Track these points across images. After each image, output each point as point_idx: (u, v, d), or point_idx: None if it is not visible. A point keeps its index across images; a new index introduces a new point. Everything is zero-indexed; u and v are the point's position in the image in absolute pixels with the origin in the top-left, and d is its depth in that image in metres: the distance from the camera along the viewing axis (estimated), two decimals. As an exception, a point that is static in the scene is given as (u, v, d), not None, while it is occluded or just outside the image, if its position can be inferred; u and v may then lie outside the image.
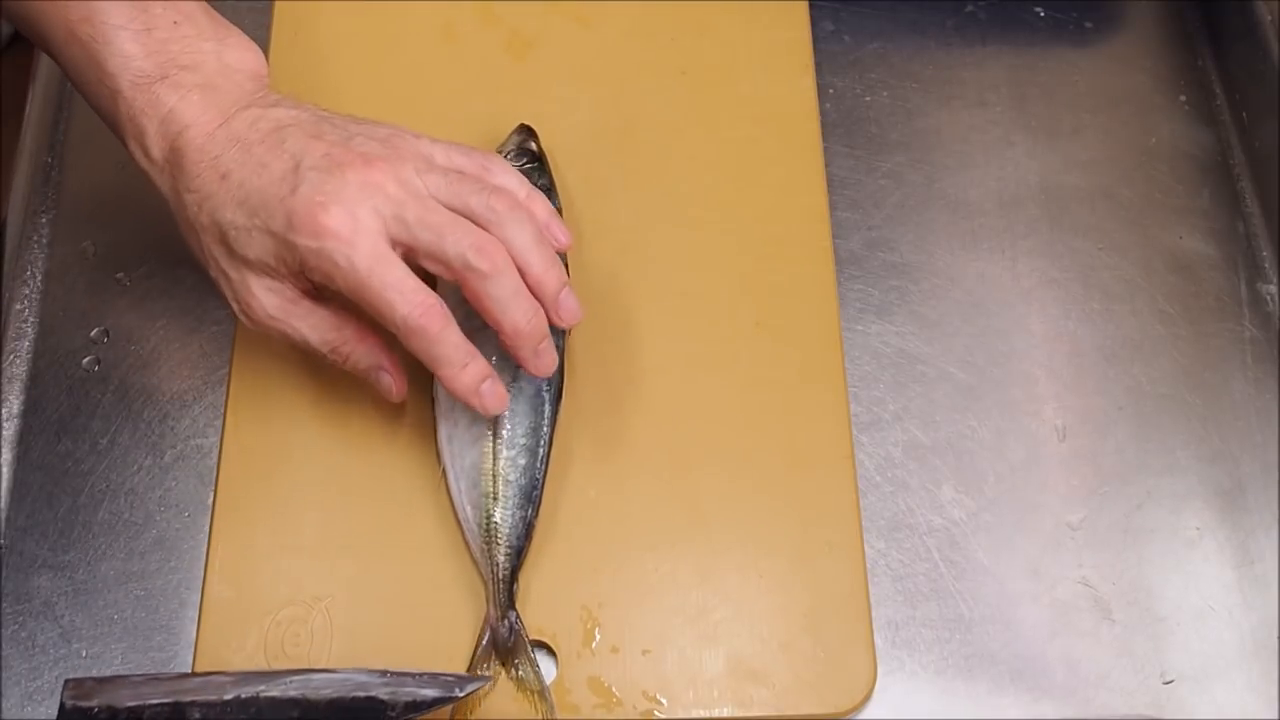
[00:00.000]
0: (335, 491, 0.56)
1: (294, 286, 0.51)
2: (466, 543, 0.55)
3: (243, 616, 0.54)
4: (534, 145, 0.62)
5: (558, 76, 0.66)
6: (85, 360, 0.61)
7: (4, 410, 0.59)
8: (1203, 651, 0.56)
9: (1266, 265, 0.66)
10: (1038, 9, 0.72)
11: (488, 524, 0.53)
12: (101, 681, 0.49)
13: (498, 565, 0.53)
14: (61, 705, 0.48)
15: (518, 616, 0.53)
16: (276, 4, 0.67)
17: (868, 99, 0.69)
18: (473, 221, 0.50)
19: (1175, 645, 0.57)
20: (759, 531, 0.56)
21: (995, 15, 0.72)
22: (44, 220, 0.64)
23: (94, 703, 0.49)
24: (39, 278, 0.63)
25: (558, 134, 0.64)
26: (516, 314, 0.50)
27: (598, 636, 0.54)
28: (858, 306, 0.63)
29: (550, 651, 0.54)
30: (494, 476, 0.54)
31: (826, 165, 0.65)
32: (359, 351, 0.53)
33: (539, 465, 0.55)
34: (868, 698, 0.54)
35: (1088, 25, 0.72)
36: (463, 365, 0.50)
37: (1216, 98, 0.70)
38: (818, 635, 0.54)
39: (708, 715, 0.53)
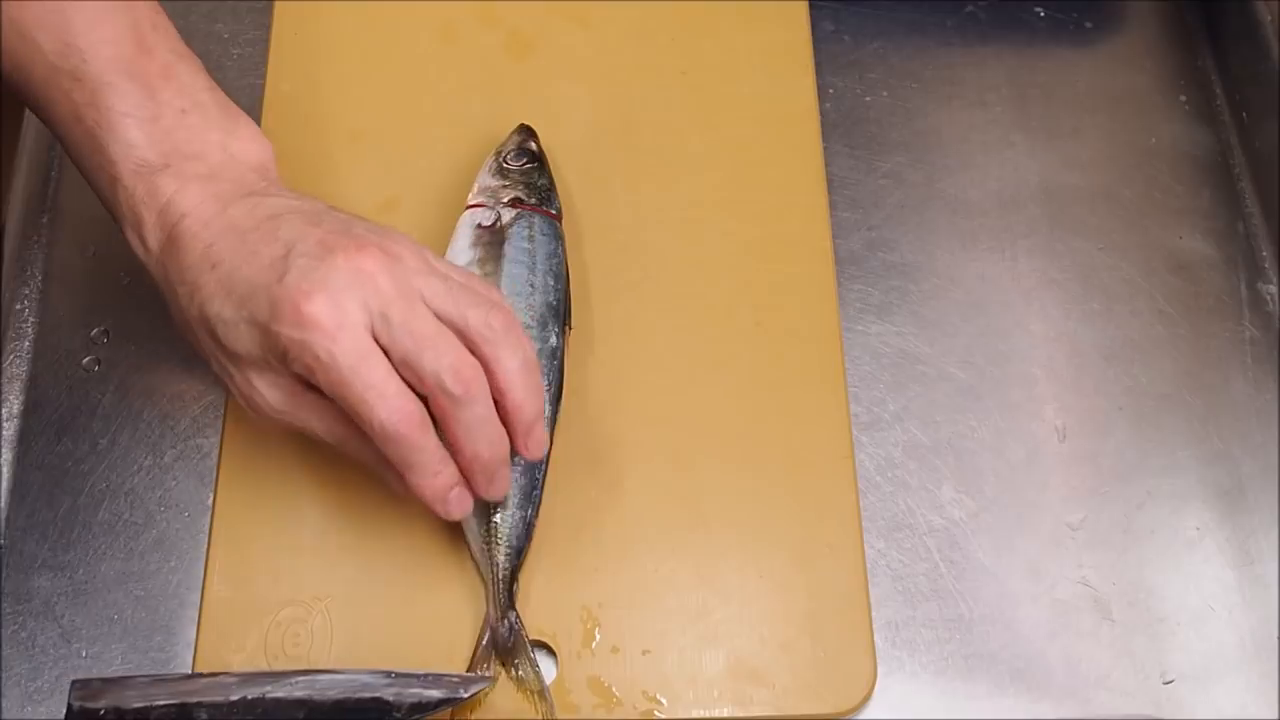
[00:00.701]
0: (335, 491, 0.56)
1: (293, 380, 0.48)
2: (467, 543, 0.55)
3: (243, 616, 0.54)
4: (534, 145, 0.62)
5: (558, 76, 0.66)
6: (85, 360, 0.61)
7: (4, 410, 0.59)
8: (1203, 651, 0.56)
9: (1266, 265, 0.66)
10: (1038, 9, 0.72)
11: (488, 524, 0.53)
12: (108, 682, 0.49)
13: (497, 565, 0.53)
14: (69, 707, 0.48)
15: (517, 616, 0.53)
16: (276, 4, 0.67)
17: (868, 99, 0.69)
18: (463, 336, 0.48)
19: (1175, 645, 0.57)
20: (759, 531, 0.56)
21: (995, 15, 0.72)
22: (44, 220, 0.64)
23: (101, 704, 0.49)
24: (39, 278, 0.63)
25: (558, 134, 0.64)
26: (479, 442, 0.48)
27: (598, 636, 0.54)
28: (858, 306, 0.63)
29: (550, 651, 0.54)
30: (494, 476, 0.54)
31: (826, 165, 0.65)
32: (363, 450, 0.49)
33: (539, 465, 0.55)
34: (868, 698, 0.54)
35: (1088, 25, 0.72)
36: (435, 473, 0.48)
37: (1216, 98, 0.70)
38: (818, 635, 0.54)
39: (708, 715, 0.53)
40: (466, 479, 0.49)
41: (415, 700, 0.50)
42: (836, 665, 0.54)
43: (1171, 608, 0.57)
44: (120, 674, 0.54)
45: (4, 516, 0.57)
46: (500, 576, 0.53)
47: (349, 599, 0.54)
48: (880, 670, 0.54)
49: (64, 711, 0.49)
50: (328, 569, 0.55)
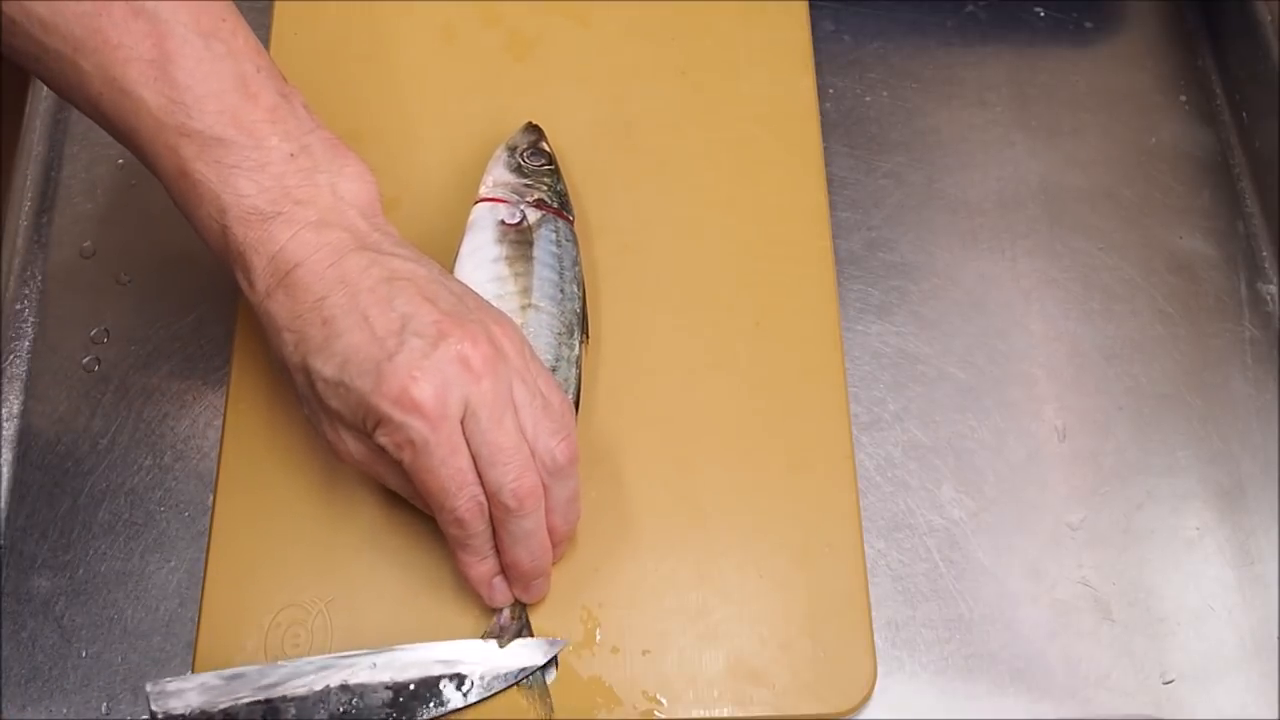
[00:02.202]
0: (335, 491, 0.56)
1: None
2: (466, 543, 0.55)
3: (243, 616, 0.54)
4: (547, 146, 0.62)
5: (558, 76, 0.66)
6: (85, 360, 0.61)
7: (4, 410, 0.59)
8: (1203, 651, 0.56)
9: (1266, 265, 0.66)
10: (1038, 9, 0.72)
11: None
12: (181, 681, 0.50)
13: (498, 565, 0.53)
14: (152, 715, 0.49)
15: (524, 614, 0.53)
16: (276, 4, 0.67)
17: (868, 99, 0.69)
18: (531, 453, 0.50)
19: (1175, 645, 0.57)
20: (759, 531, 0.56)
21: (995, 15, 0.72)
22: (44, 220, 0.64)
23: (185, 706, 0.49)
24: (39, 278, 0.63)
25: (558, 134, 0.64)
26: (522, 551, 0.51)
27: (598, 636, 0.54)
28: (858, 306, 0.63)
29: (550, 651, 0.54)
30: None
31: (826, 165, 0.65)
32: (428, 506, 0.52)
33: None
34: (868, 698, 0.54)
35: (1088, 25, 0.72)
36: (483, 557, 0.51)
37: (1216, 98, 0.70)
38: (818, 635, 0.54)
39: (708, 715, 0.53)
40: (509, 582, 0.53)
41: (492, 671, 0.52)
42: (836, 665, 0.54)
43: (1171, 608, 0.57)
44: (125, 673, 0.54)
45: (4, 516, 0.57)
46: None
47: (349, 599, 0.54)
48: (880, 670, 0.54)
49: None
50: (328, 569, 0.55)
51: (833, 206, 0.65)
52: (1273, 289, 0.65)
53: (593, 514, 0.56)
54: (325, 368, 0.48)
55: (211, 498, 0.57)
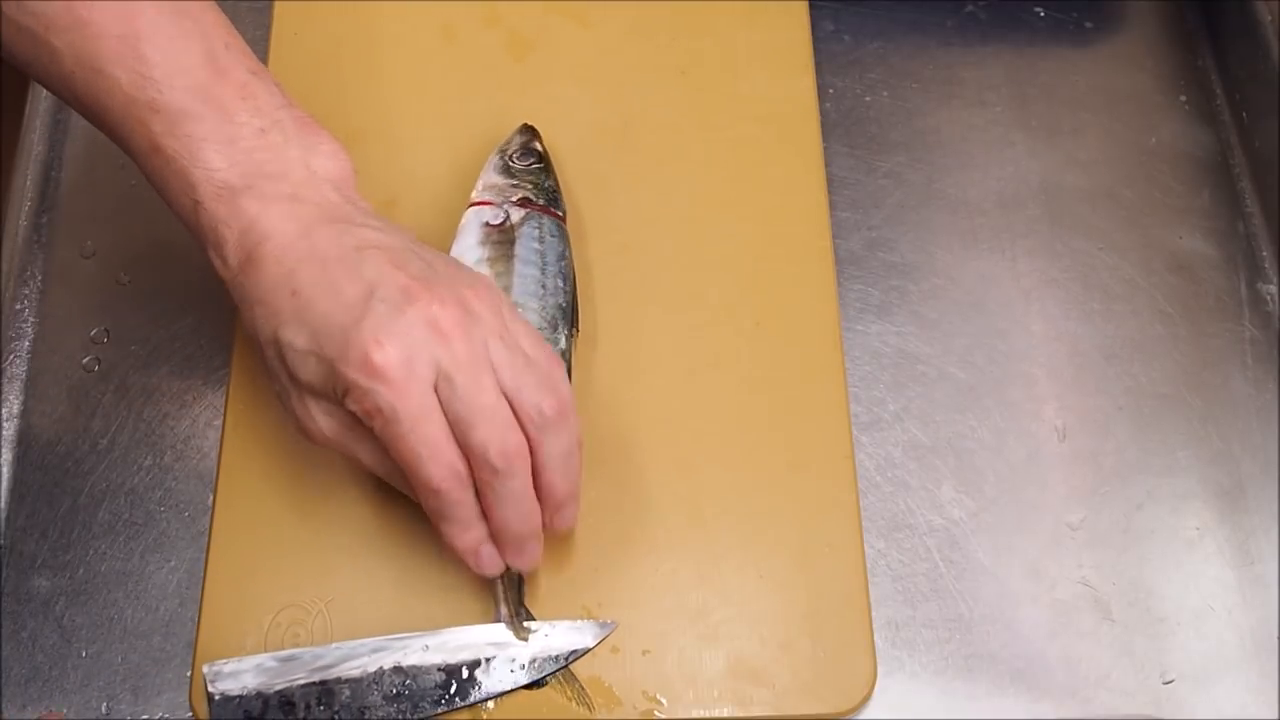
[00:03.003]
0: (335, 491, 0.56)
1: (350, 415, 0.48)
2: (466, 543, 0.55)
3: (243, 616, 0.54)
4: (539, 145, 0.62)
5: (558, 76, 0.66)
6: (85, 360, 0.61)
7: (4, 410, 0.59)
8: (1203, 651, 0.56)
9: (1266, 265, 0.66)
10: (1038, 9, 0.72)
11: (488, 524, 0.53)
12: (237, 663, 0.51)
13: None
14: (210, 696, 0.50)
15: (530, 614, 0.53)
16: (276, 4, 0.67)
17: (868, 99, 0.69)
18: (516, 411, 0.48)
19: (1175, 645, 0.57)
20: (759, 531, 0.56)
21: (995, 15, 0.72)
22: (44, 220, 0.64)
23: (241, 687, 0.50)
24: (39, 278, 0.63)
25: (558, 134, 0.64)
26: (510, 513, 0.49)
27: (598, 636, 0.54)
28: (858, 306, 0.63)
29: (550, 651, 0.54)
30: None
31: (826, 165, 0.65)
32: (406, 485, 0.50)
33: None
34: (868, 698, 0.54)
35: (1088, 25, 0.72)
36: (468, 527, 0.50)
37: (1216, 98, 0.70)
38: (818, 635, 0.54)
39: (708, 715, 0.53)
40: (497, 547, 0.51)
41: (543, 653, 0.52)
42: (836, 665, 0.54)
43: (1171, 608, 0.57)
44: (125, 673, 0.54)
45: (4, 516, 0.57)
46: (508, 575, 0.53)
47: (349, 599, 0.54)
48: (880, 670, 0.54)
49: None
50: (328, 569, 0.55)
51: (833, 206, 0.65)
52: (1273, 289, 0.65)
53: (592, 514, 0.56)
54: (296, 338, 0.48)
55: (211, 498, 0.57)
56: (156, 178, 0.50)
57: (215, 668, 0.51)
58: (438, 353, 0.47)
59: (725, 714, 0.53)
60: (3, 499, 0.57)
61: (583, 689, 0.53)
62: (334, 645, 0.52)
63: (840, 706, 0.53)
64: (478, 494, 0.49)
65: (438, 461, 0.47)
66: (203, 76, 0.48)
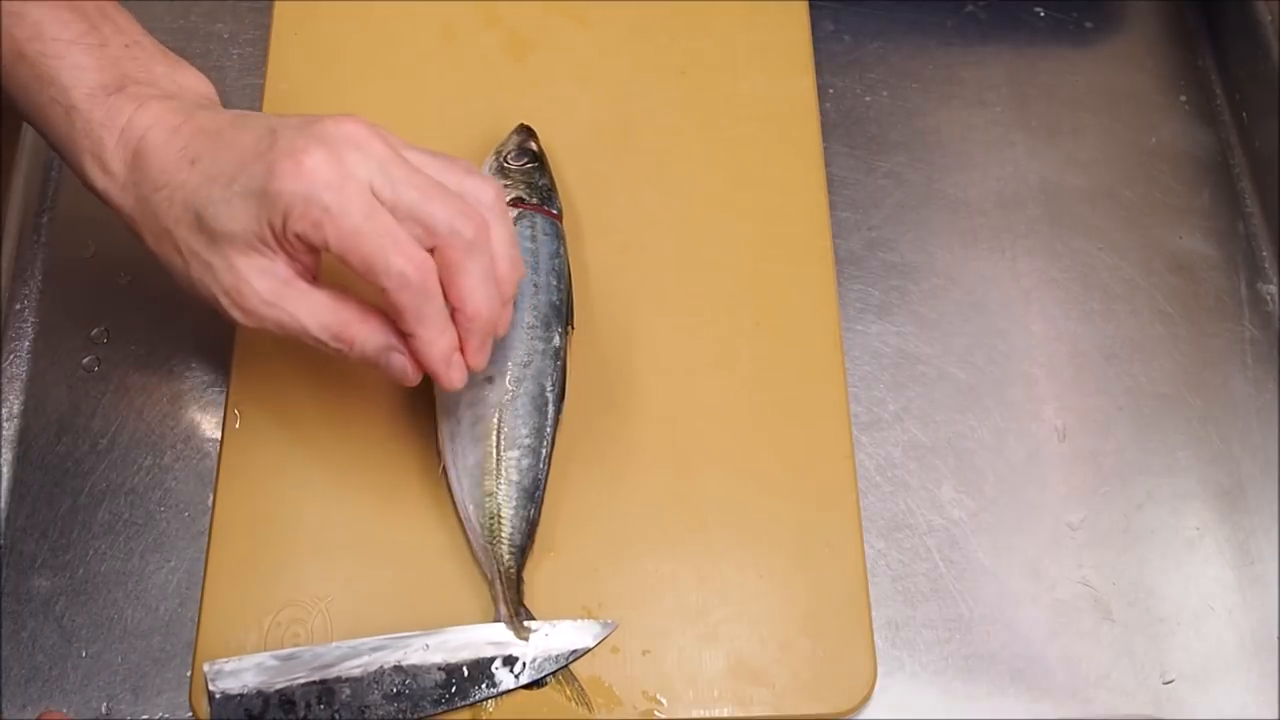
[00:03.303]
0: (335, 491, 0.56)
1: (286, 265, 0.47)
2: (468, 542, 0.55)
3: (243, 616, 0.54)
4: (534, 145, 0.62)
5: (558, 76, 0.66)
6: (85, 360, 0.61)
7: (4, 410, 0.59)
8: (1203, 651, 0.56)
9: (1266, 265, 0.66)
10: (1038, 9, 0.72)
11: (491, 524, 0.53)
12: (238, 661, 0.51)
13: (502, 564, 0.53)
14: (210, 695, 0.50)
15: (529, 613, 0.53)
16: (276, 4, 0.67)
17: (868, 99, 0.69)
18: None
19: (1175, 645, 0.57)
20: (759, 532, 0.56)
21: (995, 15, 0.72)
22: (44, 220, 0.64)
23: (242, 686, 0.51)
24: (39, 278, 0.63)
25: (557, 134, 0.64)
26: (482, 296, 0.47)
27: (598, 636, 0.54)
28: (858, 306, 0.63)
29: (550, 651, 0.54)
30: (497, 476, 0.54)
31: (826, 165, 0.65)
32: (363, 333, 0.48)
33: (542, 465, 0.55)
34: (868, 698, 0.54)
35: (1088, 25, 0.72)
36: (442, 330, 0.47)
37: (1216, 98, 0.70)
38: (818, 635, 0.54)
39: (708, 715, 0.53)
40: (461, 343, 0.49)
41: (544, 653, 0.52)
42: (836, 665, 0.54)
43: (1171, 608, 0.57)
44: (125, 673, 0.54)
45: (4, 516, 0.57)
46: (507, 575, 0.53)
47: (349, 599, 0.54)
48: (880, 670, 0.54)
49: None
50: (328, 569, 0.55)
51: (833, 206, 0.65)
52: (1273, 289, 0.65)
53: (592, 514, 0.56)
54: (211, 191, 0.46)
55: (211, 498, 0.57)
56: (23, 91, 0.49)
57: (215, 666, 0.51)
58: (361, 155, 0.45)
59: (725, 714, 0.53)
60: (3, 499, 0.57)
61: (582, 689, 0.53)
62: (334, 644, 0.52)
63: (840, 706, 0.53)
64: (445, 288, 0.47)
65: (401, 250, 0.45)
66: None
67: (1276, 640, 0.57)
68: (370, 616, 0.54)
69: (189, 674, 0.54)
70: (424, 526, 0.56)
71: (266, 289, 0.47)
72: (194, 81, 0.51)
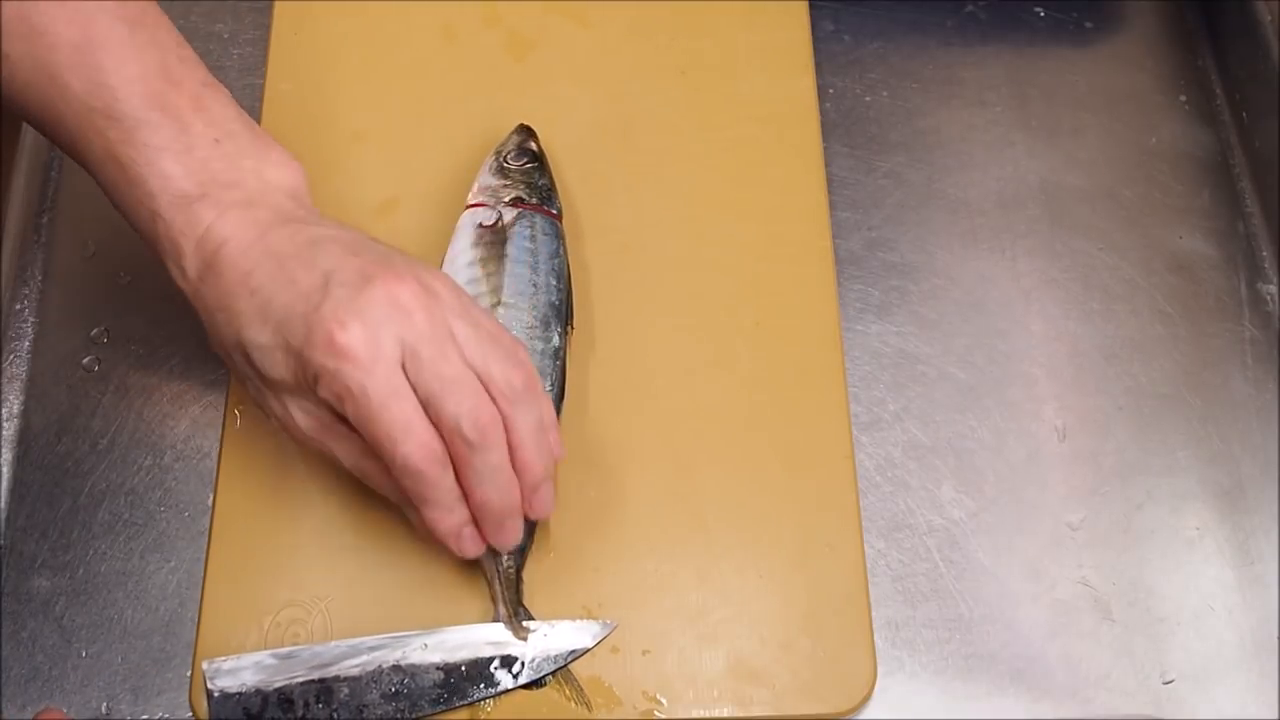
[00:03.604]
0: (335, 491, 0.56)
1: (325, 410, 0.49)
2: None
3: (243, 616, 0.54)
4: (534, 145, 0.62)
5: (558, 76, 0.66)
6: (85, 360, 0.61)
7: (4, 410, 0.59)
8: (1203, 651, 0.56)
9: (1266, 265, 0.66)
10: (1038, 9, 0.72)
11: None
12: (236, 660, 0.51)
13: (501, 565, 0.53)
14: (209, 694, 0.50)
15: (528, 613, 0.53)
16: (276, 4, 0.67)
17: (868, 99, 0.69)
18: (486, 387, 0.48)
19: (1175, 645, 0.57)
20: (759, 532, 0.56)
21: (995, 15, 0.72)
22: (44, 220, 0.64)
23: (240, 684, 0.51)
24: (39, 278, 0.63)
25: (557, 134, 0.64)
26: (490, 489, 0.49)
27: (598, 636, 0.54)
28: (858, 306, 0.63)
29: (550, 651, 0.54)
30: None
31: (826, 165, 0.65)
32: (387, 486, 0.50)
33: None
34: (868, 698, 0.54)
35: (1088, 25, 0.72)
36: (449, 510, 0.49)
37: (1216, 98, 0.70)
38: (818, 635, 0.54)
39: (708, 715, 0.53)
40: (479, 527, 0.50)
41: (542, 654, 0.52)
42: (836, 665, 0.54)
43: (1171, 608, 0.57)
44: (125, 673, 0.54)
45: (4, 516, 0.57)
46: (506, 575, 0.53)
47: (349, 599, 0.54)
48: (880, 670, 0.54)
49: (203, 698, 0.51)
50: (328, 569, 0.55)
51: (833, 206, 0.65)
52: (1273, 289, 0.65)
53: (592, 514, 0.56)
54: (259, 336, 0.48)
55: (211, 498, 0.57)
56: (112, 188, 0.50)
57: (214, 665, 0.51)
58: (401, 329, 0.47)
59: (725, 714, 0.53)
60: (3, 499, 0.57)
61: (581, 689, 0.53)
62: (333, 643, 0.52)
63: (840, 706, 0.53)
64: (456, 475, 0.49)
65: (412, 439, 0.47)
66: (158, 86, 0.49)
67: (1276, 640, 0.57)
68: (370, 616, 0.54)
69: (189, 674, 0.54)
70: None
71: (309, 426, 0.50)
72: (280, 175, 0.51)
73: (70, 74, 0.48)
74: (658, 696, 0.53)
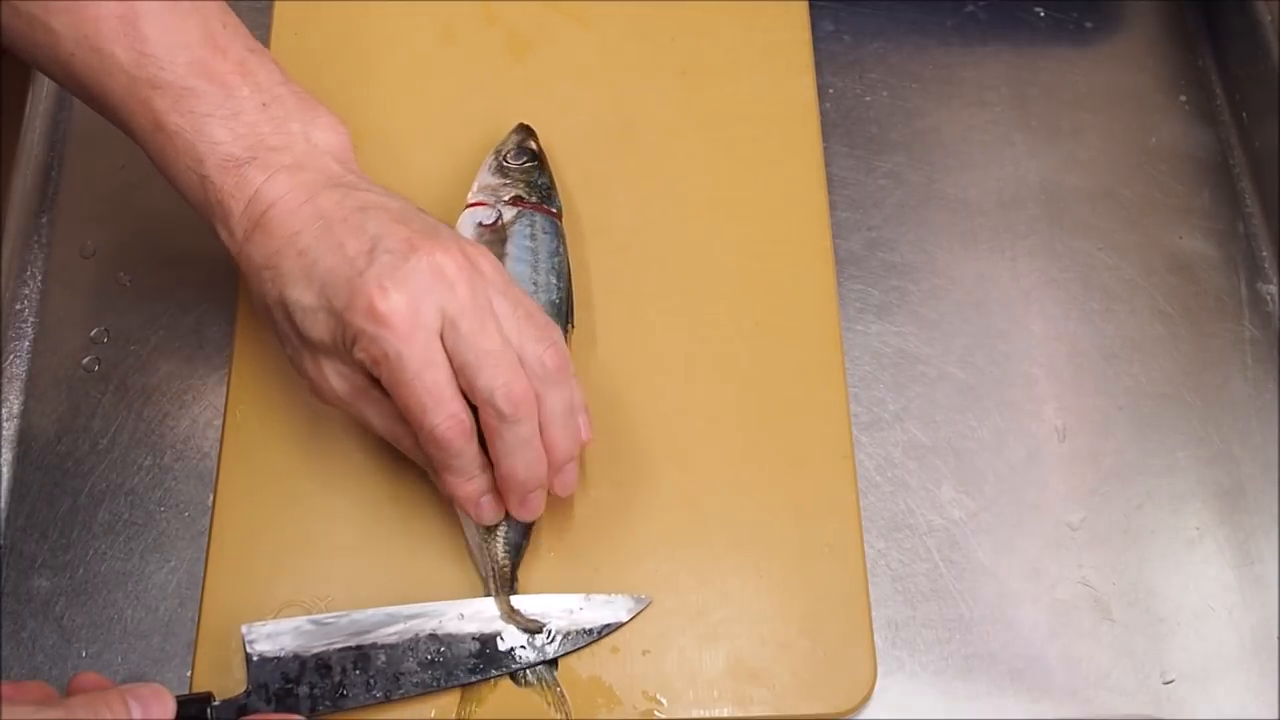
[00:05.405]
0: (335, 491, 0.56)
1: (361, 374, 0.50)
2: (465, 541, 0.55)
3: (242, 616, 0.54)
4: (533, 144, 0.62)
5: (558, 76, 0.66)
6: (85, 360, 0.61)
7: (4, 410, 0.59)
8: (1203, 651, 0.56)
9: (1266, 265, 0.66)
10: (1038, 9, 0.72)
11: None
12: (275, 625, 0.52)
13: (496, 563, 0.53)
14: (249, 657, 0.51)
15: (518, 613, 0.53)
16: (276, 4, 0.67)
17: (868, 99, 0.69)
18: (519, 361, 0.49)
19: (1175, 645, 0.57)
20: (759, 531, 0.56)
21: (995, 15, 0.72)
22: (44, 220, 0.64)
23: (279, 649, 0.51)
24: (39, 278, 0.63)
25: (557, 134, 0.64)
26: (518, 462, 0.50)
27: (598, 636, 0.54)
28: (858, 306, 0.63)
29: (550, 651, 0.54)
30: (494, 476, 0.54)
31: (826, 165, 0.65)
32: (413, 449, 0.52)
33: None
34: (868, 698, 0.54)
35: (1088, 25, 0.72)
36: (469, 478, 0.50)
37: (1216, 98, 0.70)
38: (818, 635, 0.54)
39: (708, 715, 0.53)
40: (501, 495, 0.51)
41: (576, 626, 0.53)
42: (836, 665, 0.54)
43: (1171, 608, 0.57)
44: (125, 673, 0.54)
45: (4, 516, 0.57)
46: (499, 574, 0.53)
47: (349, 599, 0.54)
48: (880, 670, 0.54)
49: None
50: (328, 569, 0.55)
51: (833, 206, 0.65)
52: (1273, 289, 0.65)
53: (593, 513, 0.56)
54: (303, 296, 0.48)
55: (211, 498, 0.57)
56: (160, 156, 0.50)
57: (253, 629, 0.51)
58: (442, 299, 0.47)
59: (725, 714, 0.53)
60: (3, 499, 0.57)
61: (562, 694, 0.53)
62: (371, 611, 0.52)
63: (840, 706, 0.53)
64: (484, 445, 0.50)
65: (442, 410, 0.48)
66: (202, 53, 0.49)
67: (1276, 640, 0.57)
68: (370, 616, 0.54)
69: (189, 674, 0.54)
70: (423, 527, 0.55)
71: (342, 389, 0.51)
72: (327, 138, 0.52)
73: (114, 45, 0.48)
74: (658, 696, 0.53)
